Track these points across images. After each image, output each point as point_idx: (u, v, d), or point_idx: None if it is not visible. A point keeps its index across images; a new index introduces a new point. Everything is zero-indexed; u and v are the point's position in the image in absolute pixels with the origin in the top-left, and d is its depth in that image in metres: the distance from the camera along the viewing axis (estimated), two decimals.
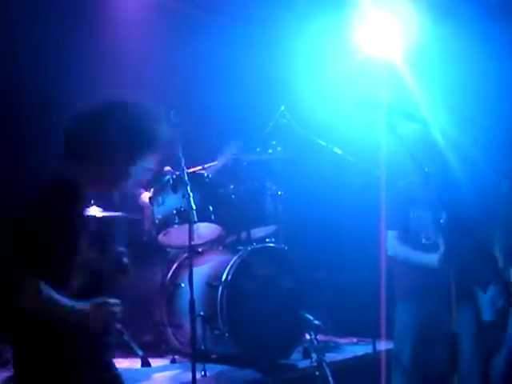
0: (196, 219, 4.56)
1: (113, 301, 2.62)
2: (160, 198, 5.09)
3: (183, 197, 4.67)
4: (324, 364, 3.77)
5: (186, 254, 5.17)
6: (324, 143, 5.29)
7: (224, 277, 4.78)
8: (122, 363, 4.92)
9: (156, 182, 5.31)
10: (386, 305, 4.46)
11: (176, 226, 4.95)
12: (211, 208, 4.94)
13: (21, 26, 5.39)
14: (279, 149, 5.38)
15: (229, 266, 4.81)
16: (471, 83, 5.54)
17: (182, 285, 5.03)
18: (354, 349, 5.50)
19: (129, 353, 4.90)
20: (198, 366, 4.41)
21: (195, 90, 6.36)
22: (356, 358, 5.25)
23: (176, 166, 4.98)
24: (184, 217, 4.74)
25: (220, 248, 5.42)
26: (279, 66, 6.22)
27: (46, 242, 2.43)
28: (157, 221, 5.11)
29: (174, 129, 4.85)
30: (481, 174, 4.46)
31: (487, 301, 4.31)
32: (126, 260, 2.79)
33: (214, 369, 4.74)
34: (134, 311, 5.35)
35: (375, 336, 5.01)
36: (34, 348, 2.48)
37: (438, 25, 5.51)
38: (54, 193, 2.51)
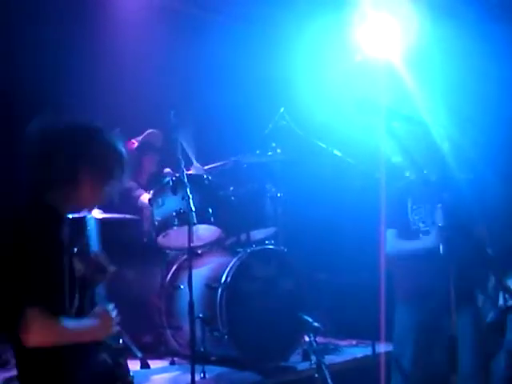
0: (195, 221, 4.57)
1: (110, 306, 2.66)
2: (159, 200, 5.09)
3: (183, 199, 4.67)
4: (323, 366, 3.76)
5: (185, 256, 5.17)
6: (323, 145, 5.28)
7: (223, 279, 4.77)
8: None
9: (156, 184, 5.31)
10: (385, 307, 4.45)
11: (175, 227, 4.94)
12: (211, 210, 4.93)
13: (20, 26, 5.39)
14: (279, 151, 5.37)
15: (228, 268, 4.81)
16: (471, 84, 5.53)
17: (182, 286, 5.03)
18: (353, 351, 5.49)
19: (128, 354, 4.93)
20: (198, 367, 4.41)
21: (195, 90, 6.36)
22: (355, 360, 5.24)
23: (176, 167, 4.98)
24: (183, 219, 4.74)
25: (219, 250, 5.41)
26: (279, 66, 6.21)
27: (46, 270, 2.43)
28: (156, 222, 5.11)
29: (174, 130, 4.87)
30: (481, 175, 4.45)
31: (487, 302, 4.31)
32: (104, 261, 2.79)
33: (213, 371, 4.74)
34: (133, 313, 5.34)
35: (375, 338, 4.99)
36: (37, 348, 2.46)
37: (437, 25, 5.50)
38: (40, 219, 2.50)
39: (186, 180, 4.68)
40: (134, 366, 4.89)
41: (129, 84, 5.95)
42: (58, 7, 5.54)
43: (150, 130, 5.93)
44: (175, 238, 5.06)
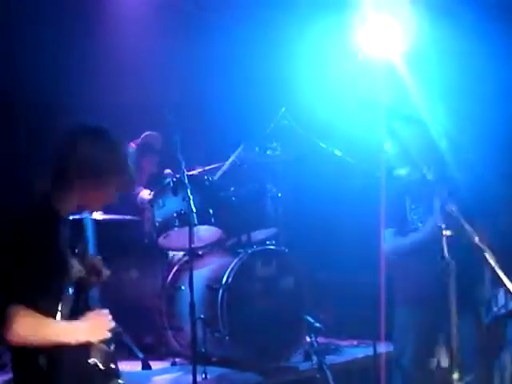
0: (196, 222, 4.57)
1: (104, 311, 2.65)
2: (160, 201, 5.09)
3: (183, 199, 4.67)
4: (325, 366, 3.76)
5: (186, 257, 5.16)
6: (324, 145, 5.28)
7: (224, 279, 4.76)
8: (122, 366, 4.92)
9: (156, 185, 5.31)
10: (386, 307, 4.44)
11: (176, 228, 4.94)
12: (211, 211, 4.94)
13: (20, 26, 5.38)
14: (278, 152, 5.37)
15: (229, 269, 4.80)
16: (470, 84, 5.54)
17: (183, 287, 5.02)
18: (354, 351, 5.49)
19: (129, 355, 4.93)
20: (199, 368, 4.40)
21: (198, 90, 6.35)
22: (357, 360, 5.24)
23: (176, 168, 4.98)
24: (184, 219, 4.74)
25: (220, 251, 5.41)
26: (281, 66, 6.21)
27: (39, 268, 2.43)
28: (157, 223, 5.11)
29: (173, 131, 4.86)
30: (480, 174, 4.45)
31: (487, 303, 4.30)
32: (100, 264, 2.79)
33: (214, 371, 4.73)
34: (135, 314, 5.35)
35: (376, 338, 4.99)
36: (32, 350, 2.46)
37: (436, 26, 5.51)
38: (36, 218, 2.50)
39: (186, 181, 4.68)
40: (135, 366, 4.89)
41: (129, 84, 5.95)
42: (58, 7, 5.54)
43: (148, 133, 5.93)
44: (176, 238, 5.06)
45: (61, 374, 2.49)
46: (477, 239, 2.74)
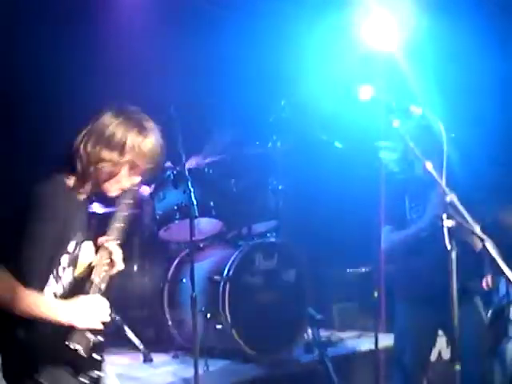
0: (197, 214, 4.55)
1: (103, 300, 2.62)
2: (161, 194, 5.08)
3: (184, 192, 4.66)
4: (326, 358, 3.78)
5: (187, 250, 5.16)
6: (325, 137, 5.27)
7: (226, 272, 4.77)
8: (124, 358, 4.94)
9: (157, 178, 5.30)
10: (388, 299, 4.45)
11: (177, 221, 4.94)
12: (212, 203, 4.94)
13: (20, 26, 5.36)
14: (279, 144, 5.36)
15: (230, 261, 4.81)
16: (468, 78, 5.55)
17: (184, 280, 5.03)
18: (356, 343, 5.49)
19: (130, 348, 4.94)
20: (201, 361, 4.40)
21: (203, 85, 6.32)
22: (358, 353, 5.24)
23: (176, 161, 4.96)
24: (185, 212, 4.73)
25: (221, 243, 5.41)
26: (283, 60, 6.18)
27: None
28: (158, 216, 5.10)
29: (175, 124, 4.85)
30: (478, 167, 4.45)
31: (488, 298, 4.30)
32: (118, 256, 2.79)
33: (216, 364, 4.74)
34: (136, 306, 5.36)
35: (378, 331, 4.99)
36: (11, 321, 2.44)
37: (434, 22, 5.52)
38: (45, 190, 2.52)
39: (187, 173, 4.67)
40: (136, 359, 4.90)
41: (131, 84, 5.92)
42: (59, 7, 5.51)
43: None
44: (177, 231, 5.06)
45: (38, 350, 2.46)
46: (477, 229, 2.73)
